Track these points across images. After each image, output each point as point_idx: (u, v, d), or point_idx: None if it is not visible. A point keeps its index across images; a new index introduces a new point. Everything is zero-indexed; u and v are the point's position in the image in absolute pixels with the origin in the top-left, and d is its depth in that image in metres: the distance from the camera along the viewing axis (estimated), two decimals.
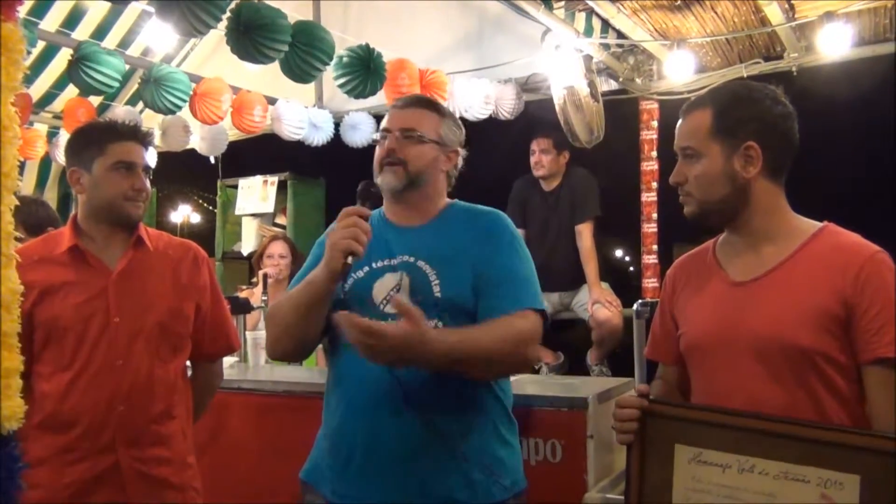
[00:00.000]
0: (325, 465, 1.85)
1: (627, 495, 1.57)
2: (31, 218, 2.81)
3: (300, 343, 1.88)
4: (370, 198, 1.82)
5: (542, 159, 4.22)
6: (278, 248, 4.17)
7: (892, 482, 1.27)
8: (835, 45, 3.98)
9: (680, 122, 1.69)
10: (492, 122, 4.86)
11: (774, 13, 3.87)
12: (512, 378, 2.05)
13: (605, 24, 4.31)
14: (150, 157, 2.19)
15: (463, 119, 4.68)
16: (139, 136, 2.14)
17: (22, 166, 1.29)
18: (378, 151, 1.93)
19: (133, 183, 2.08)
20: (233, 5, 3.17)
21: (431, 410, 1.75)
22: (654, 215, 4.70)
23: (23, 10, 4.57)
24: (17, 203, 1.14)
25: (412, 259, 1.84)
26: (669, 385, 1.80)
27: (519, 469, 1.88)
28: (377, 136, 1.96)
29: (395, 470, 1.75)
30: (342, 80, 3.87)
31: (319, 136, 5.11)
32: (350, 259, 1.68)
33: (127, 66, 4.06)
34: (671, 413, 1.52)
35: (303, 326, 1.82)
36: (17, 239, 1.13)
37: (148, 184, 2.14)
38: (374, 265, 1.85)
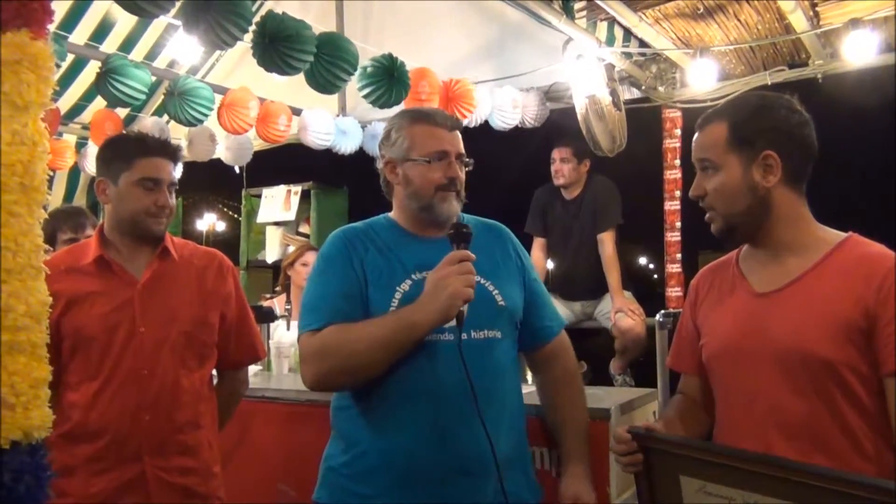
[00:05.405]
0: (367, 484, 1.78)
1: None
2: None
3: (363, 379, 1.77)
4: (465, 239, 1.75)
5: (563, 168, 4.21)
6: (314, 258, 4.18)
7: None
8: (860, 51, 3.93)
9: (696, 135, 1.69)
10: (515, 131, 4.84)
11: (799, 20, 3.83)
12: (536, 388, 2.07)
13: (628, 33, 4.29)
14: (177, 172, 2.19)
15: (488, 127, 4.70)
16: (168, 152, 2.14)
17: (51, 178, 1.32)
18: (432, 173, 1.85)
19: (156, 199, 2.09)
20: (258, 17, 3.20)
21: (500, 421, 1.78)
22: (678, 224, 4.66)
23: (53, 24, 4.62)
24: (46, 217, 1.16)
25: None
26: (692, 398, 1.79)
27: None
28: (423, 157, 1.85)
29: (466, 480, 1.75)
30: (367, 91, 3.89)
31: (348, 142, 5.05)
32: (465, 307, 1.68)
33: (153, 78, 4.11)
34: (671, 450, 1.52)
35: (382, 365, 1.73)
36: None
37: (172, 199, 2.14)
38: (413, 276, 1.81)
